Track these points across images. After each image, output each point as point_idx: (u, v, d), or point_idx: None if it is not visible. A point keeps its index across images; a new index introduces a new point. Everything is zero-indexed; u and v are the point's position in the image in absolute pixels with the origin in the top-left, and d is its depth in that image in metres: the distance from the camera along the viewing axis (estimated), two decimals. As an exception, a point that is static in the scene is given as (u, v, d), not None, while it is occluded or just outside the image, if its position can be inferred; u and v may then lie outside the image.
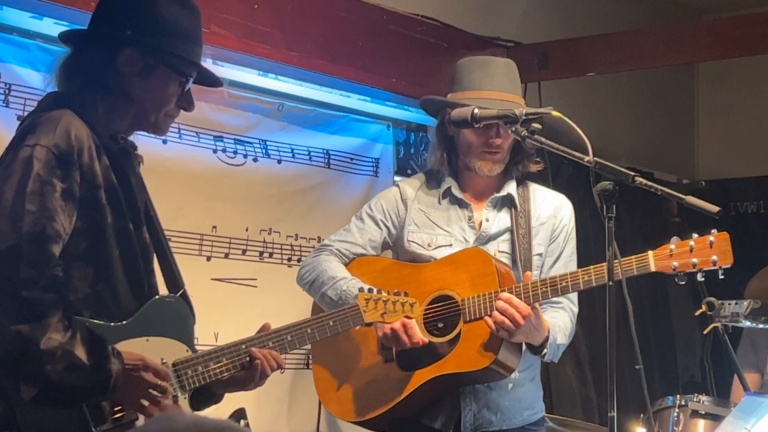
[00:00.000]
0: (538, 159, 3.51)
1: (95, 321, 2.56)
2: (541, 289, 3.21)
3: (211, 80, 2.86)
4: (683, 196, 2.82)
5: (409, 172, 5.32)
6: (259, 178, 4.74)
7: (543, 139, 3.10)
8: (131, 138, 2.78)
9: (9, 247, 2.44)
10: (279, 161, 4.84)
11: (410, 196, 3.54)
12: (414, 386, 3.32)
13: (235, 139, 4.65)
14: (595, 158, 2.85)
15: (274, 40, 4.60)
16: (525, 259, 3.40)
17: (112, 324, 2.60)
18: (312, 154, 4.98)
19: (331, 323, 3.02)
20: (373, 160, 5.26)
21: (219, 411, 3.15)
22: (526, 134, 3.12)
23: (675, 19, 7.17)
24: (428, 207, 3.51)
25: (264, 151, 4.77)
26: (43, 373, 2.43)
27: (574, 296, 3.43)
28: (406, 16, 5.28)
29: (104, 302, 2.59)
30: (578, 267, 3.48)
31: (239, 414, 2.88)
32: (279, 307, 4.51)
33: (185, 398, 2.70)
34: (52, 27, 3.90)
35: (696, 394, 4.53)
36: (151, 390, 2.57)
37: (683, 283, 3.14)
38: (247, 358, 2.79)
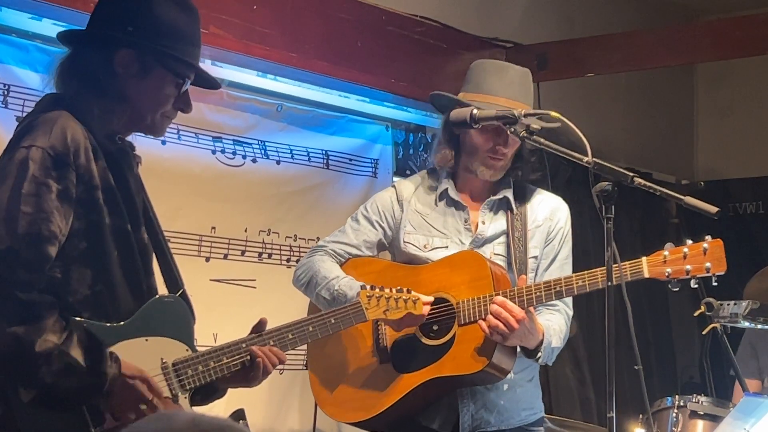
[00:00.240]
0: (536, 167, 3.50)
1: (93, 322, 2.56)
2: (535, 293, 3.21)
3: (208, 82, 2.86)
4: (682, 197, 2.82)
5: (408, 172, 5.32)
6: (258, 178, 4.74)
7: (542, 140, 3.10)
8: (129, 138, 2.78)
9: (4, 249, 2.44)
10: (278, 162, 4.84)
11: (406, 197, 3.53)
12: (409, 388, 3.31)
13: (234, 140, 4.66)
14: (594, 159, 2.86)
15: (273, 40, 4.60)
16: (520, 262, 3.40)
17: (111, 324, 2.60)
18: (311, 154, 4.98)
19: (333, 321, 3.01)
20: (372, 160, 5.27)
21: (218, 411, 3.15)
22: (525, 135, 3.12)
23: (674, 20, 7.17)
24: (425, 208, 3.51)
25: (263, 151, 4.77)
26: (39, 376, 2.43)
27: (569, 299, 3.43)
28: (405, 17, 5.28)
29: (103, 303, 2.59)
30: (577, 268, 3.48)
31: (238, 415, 2.88)
32: (278, 307, 4.50)
33: (185, 397, 2.70)
34: (51, 28, 3.90)
35: (695, 395, 4.53)
36: (142, 404, 2.56)
37: (676, 289, 3.15)
38: (248, 357, 2.79)
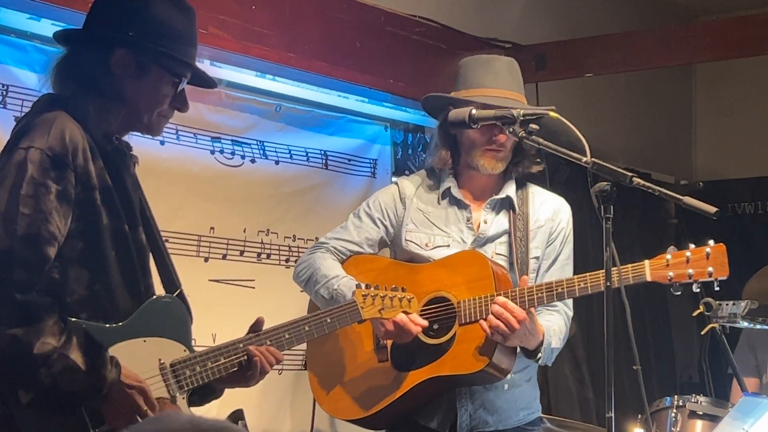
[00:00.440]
0: (538, 159, 3.51)
1: (92, 323, 2.56)
2: (536, 294, 3.22)
3: (205, 81, 2.86)
4: (681, 197, 2.82)
5: (406, 172, 5.32)
6: (257, 179, 4.74)
7: (541, 140, 3.10)
8: (126, 139, 2.78)
9: (3, 250, 2.43)
10: (277, 162, 4.84)
11: (409, 194, 3.53)
12: (408, 386, 3.32)
13: (232, 140, 4.65)
14: (593, 159, 2.85)
15: (271, 41, 4.59)
16: (522, 262, 3.40)
17: (109, 325, 2.59)
18: (310, 155, 4.98)
19: (329, 320, 3.01)
20: (371, 161, 5.26)
21: (217, 412, 3.15)
22: (524, 135, 3.12)
23: (673, 20, 7.17)
24: (427, 206, 3.51)
25: (262, 152, 4.77)
26: (38, 378, 2.43)
27: (569, 300, 3.43)
28: (404, 17, 5.28)
29: (100, 304, 2.59)
30: (576, 268, 3.48)
31: (237, 415, 2.88)
32: (277, 307, 4.50)
33: (183, 398, 2.70)
34: (50, 28, 3.89)
35: (694, 395, 4.54)
36: (137, 416, 2.55)
37: (678, 293, 3.15)
38: (245, 357, 2.79)
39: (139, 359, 2.61)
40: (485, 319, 3.21)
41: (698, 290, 3.17)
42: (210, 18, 4.27)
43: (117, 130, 2.71)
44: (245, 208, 4.69)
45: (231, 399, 2.95)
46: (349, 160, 5.16)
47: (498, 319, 3.17)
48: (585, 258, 3.51)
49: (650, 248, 3.21)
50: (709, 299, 4.23)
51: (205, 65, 4.34)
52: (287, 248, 4.84)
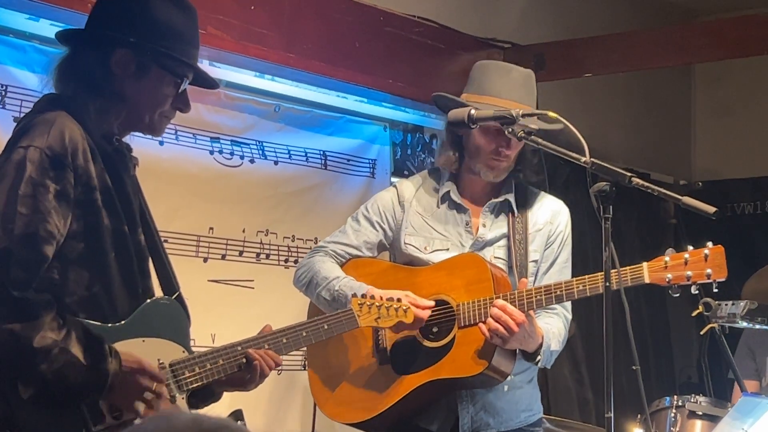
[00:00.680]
0: (538, 169, 3.50)
1: (91, 321, 2.56)
2: (535, 296, 3.21)
3: (207, 82, 2.86)
4: (680, 197, 2.82)
5: (405, 172, 5.32)
6: (256, 179, 4.74)
7: (540, 140, 3.10)
8: (127, 139, 2.78)
9: (1, 249, 2.43)
10: (276, 162, 4.84)
11: (408, 197, 3.53)
12: (408, 389, 3.32)
13: (231, 141, 4.65)
14: (592, 159, 2.85)
15: (270, 41, 4.59)
16: (521, 265, 3.40)
17: (108, 325, 2.59)
18: (309, 155, 4.98)
19: (326, 327, 3.03)
20: (370, 161, 5.26)
21: (216, 413, 3.15)
22: (523, 135, 3.12)
23: (671, 21, 7.17)
24: (426, 210, 3.51)
25: (261, 152, 4.77)
26: (39, 372, 2.43)
27: (568, 303, 3.43)
28: (403, 18, 5.28)
29: (100, 304, 2.59)
30: (575, 267, 3.48)
31: (236, 415, 2.88)
32: (276, 308, 4.51)
33: (183, 398, 2.70)
34: (49, 28, 3.89)
35: (693, 395, 4.54)
36: (146, 393, 2.56)
37: (677, 295, 3.15)
38: (244, 359, 2.79)
39: (139, 359, 2.61)
40: (484, 322, 3.21)
41: (697, 292, 3.18)
42: (209, 18, 4.27)
43: (118, 130, 2.72)
44: (244, 208, 4.69)
45: (231, 399, 2.95)
46: (348, 160, 5.16)
47: (497, 321, 3.17)
48: (584, 258, 3.51)
49: (649, 248, 3.22)
50: (709, 299, 4.22)
51: (204, 65, 4.34)
52: (286, 248, 4.84)
